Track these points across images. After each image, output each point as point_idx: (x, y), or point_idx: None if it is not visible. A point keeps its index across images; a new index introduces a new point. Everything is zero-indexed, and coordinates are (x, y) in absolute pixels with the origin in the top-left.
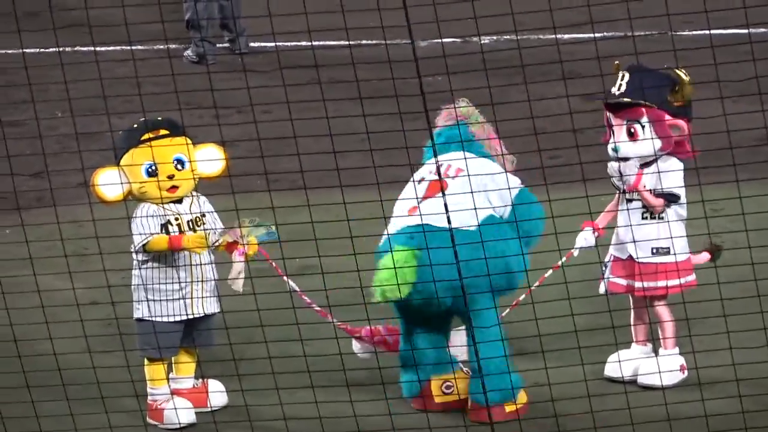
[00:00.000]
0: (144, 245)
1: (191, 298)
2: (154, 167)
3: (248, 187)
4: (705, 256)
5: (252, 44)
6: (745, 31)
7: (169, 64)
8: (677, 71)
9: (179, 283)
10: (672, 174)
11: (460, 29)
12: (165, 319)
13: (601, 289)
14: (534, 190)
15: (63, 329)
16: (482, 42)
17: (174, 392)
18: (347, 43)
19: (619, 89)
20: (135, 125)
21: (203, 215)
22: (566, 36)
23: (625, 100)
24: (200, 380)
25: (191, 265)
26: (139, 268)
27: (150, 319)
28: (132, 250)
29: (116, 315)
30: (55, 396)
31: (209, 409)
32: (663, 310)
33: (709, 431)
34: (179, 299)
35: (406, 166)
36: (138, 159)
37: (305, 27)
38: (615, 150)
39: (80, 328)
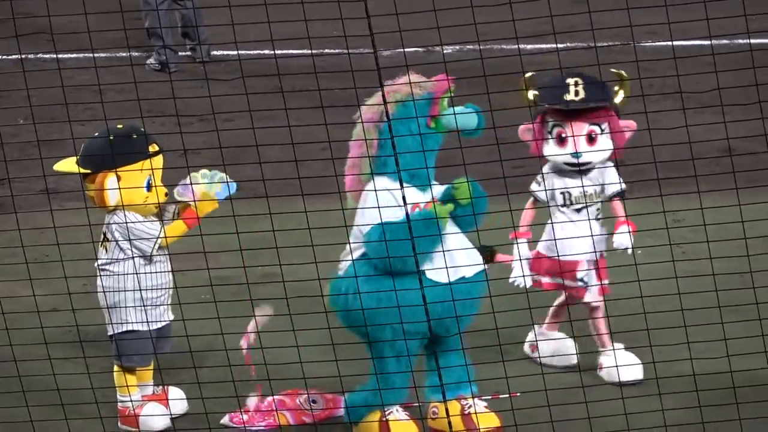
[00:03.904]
0: (159, 243)
1: (164, 304)
2: (152, 181)
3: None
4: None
5: (214, 52)
6: (708, 42)
7: (131, 72)
8: (616, 71)
9: (161, 289)
10: (611, 172)
11: (423, 39)
12: (153, 326)
13: (529, 283)
14: (495, 200)
15: (24, 336)
16: (445, 52)
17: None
18: (310, 52)
19: (576, 95)
20: (134, 135)
21: (167, 209)
22: (529, 46)
23: (596, 103)
24: (160, 387)
25: (168, 272)
26: (123, 276)
27: (140, 328)
28: (119, 257)
29: (77, 322)
30: (14, 402)
31: (170, 416)
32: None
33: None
34: (160, 305)
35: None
36: (143, 172)
37: (268, 36)
38: (576, 156)
39: (41, 335)
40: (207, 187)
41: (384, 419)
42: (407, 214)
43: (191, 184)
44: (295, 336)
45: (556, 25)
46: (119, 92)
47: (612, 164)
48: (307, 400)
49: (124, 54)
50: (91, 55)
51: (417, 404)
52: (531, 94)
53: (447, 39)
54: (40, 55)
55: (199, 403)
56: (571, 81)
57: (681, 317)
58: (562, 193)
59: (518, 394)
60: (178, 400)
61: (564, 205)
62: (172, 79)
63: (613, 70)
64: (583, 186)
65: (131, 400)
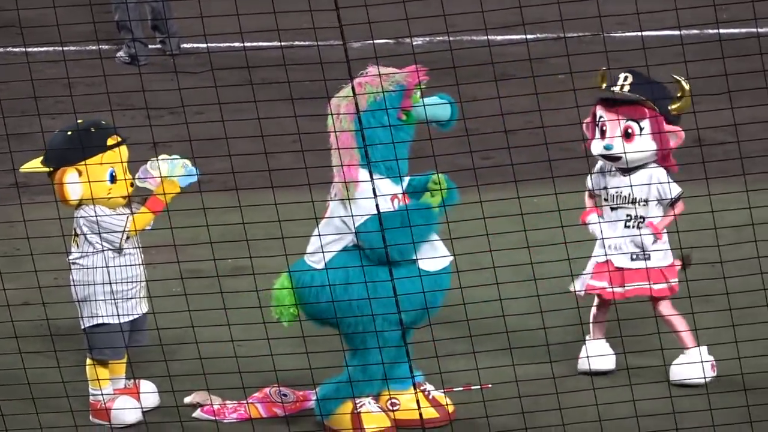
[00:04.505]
0: (127, 235)
1: (136, 297)
2: (114, 173)
3: None
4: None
5: (184, 45)
6: (677, 32)
7: (101, 65)
8: (679, 79)
9: (132, 282)
10: (665, 184)
11: (393, 31)
12: (124, 319)
13: (578, 287)
14: (465, 191)
15: None
16: (414, 43)
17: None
18: (279, 44)
19: (621, 88)
20: (93, 128)
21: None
22: (498, 37)
23: (633, 95)
24: (132, 381)
25: (139, 264)
26: (93, 270)
27: (111, 321)
28: (88, 251)
29: (47, 316)
30: None
31: (141, 410)
32: (667, 312)
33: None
34: (132, 298)
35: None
36: (104, 165)
37: (237, 28)
38: (607, 148)
39: (12, 329)
40: (167, 169)
41: (356, 411)
42: (397, 207)
43: (151, 169)
44: (266, 328)
45: (525, 15)
46: (89, 86)
47: (662, 169)
48: (278, 393)
49: (93, 47)
50: (60, 48)
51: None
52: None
53: (417, 30)
54: (9, 49)
55: (171, 396)
56: (622, 75)
57: (651, 308)
58: (605, 188)
59: (490, 385)
60: (149, 393)
61: (605, 200)
62: (141, 72)
63: (676, 76)
64: (620, 186)
65: (102, 394)
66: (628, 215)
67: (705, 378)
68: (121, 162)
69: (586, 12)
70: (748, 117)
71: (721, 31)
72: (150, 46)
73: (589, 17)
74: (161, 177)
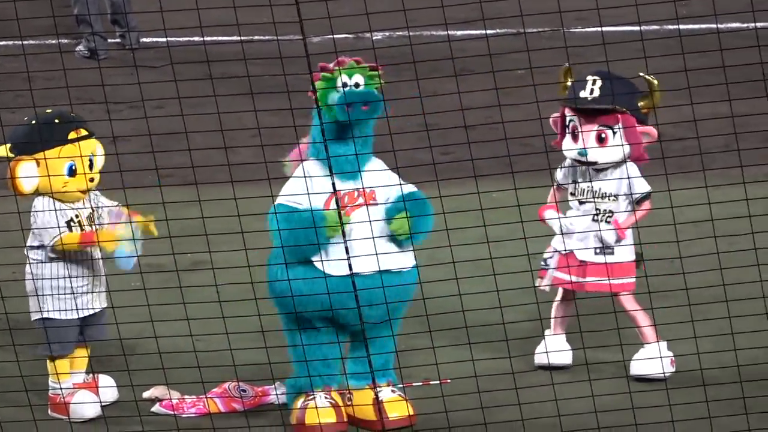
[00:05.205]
0: (54, 243)
1: (90, 293)
2: (75, 166)
3: (139, 183)
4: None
5: (143, 39)
6: (637, 28)
7: (60, 59)
8: (647, 77)
9: (84, 278)
10: (635, 179)
11: (353, 25)
12: (72, 315)
13: (545, 282)
14: (424, 186)
15: None
16: (374, 38)
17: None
18: (239, 38)
19: (591, 93)
20: (56, 120)
21: (97, 209)
22: (458, 33)
23: (606, 105)
24: (91, 375)
25: (91, 260)
26: (42, 264)
27: (57, 317)
28: (34, 245)
29: (6, 309)
30: None
31: (100, 404)
32: (631, 307)
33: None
34: (86, 293)
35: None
36: (62, 158)
37: (197, 22)
38: (581, 154)
39: None
40: (122, 231)
41: (302, 407)
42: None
43: (118, 218)
44: (225, 323)
45: (485, 11)
46: (49, 80)
47: (634, 166)
48: (237, 388)
49: (53, 41)
50: (20, 42)
51: (347, 390)
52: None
53: (376, 25)
54: None
55: (130, 390)
56: (590, 78)
57: (611, 303)
58: (574, 182)
59: (449, 380)
60: (108, 387)
61: (572, 195)
62: (101, 66)
63: (644, 75)
64: (591, 181)
65: (61, 388)
66: (597, 209)
67: (664, 373)
68: (81, 156)
69: (545, 7)
70: (708, 113)
71: (681, 27)
72: (109, 40)
73: (549, 13)
74: (110, 227)
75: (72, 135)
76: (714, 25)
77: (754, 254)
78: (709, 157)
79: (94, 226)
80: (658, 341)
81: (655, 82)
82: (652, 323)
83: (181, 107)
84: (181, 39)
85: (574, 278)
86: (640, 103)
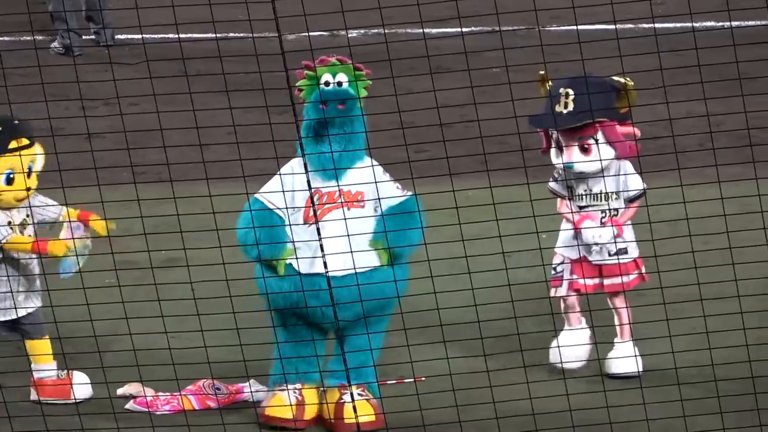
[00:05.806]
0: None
1: (28, 291)
2: (13, 175)
3: (114, 180)
4: None
5: (118, 36)
6: (613, 26)
7: (35, 56)
8: (619, 78)
9: (19, 277)
10: (630, 176)
11: (328, 23)
12: (10, 316)
13: (561, 291)
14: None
15: None
16: (350, 36)
17: (37, 382)
18: (214, 36)
19: (565, 107)
20: None
21: (29, 215)
22: (434, 30)
23: (575, 125)
24: (65, 372)
25: (23, 259)
26: None
27: None
28: None
29: None
30: None
31: (73, 401)
32: (621, 304)
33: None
34: (15, 294)
35: (272, 159)
36: (1, 166)
37: (172, 19)
38: (569, 167)
39: None
40: (74, 246)
41: (269, 397)
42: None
43: (82, 231)
44: (200, 320)
45: (460, 9)
46: (23, 76)
47: (628, 162)
48: (212, 386)
49: (28, 38)
50: None
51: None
52: (547, 85)
53: (352, 23)
54: None
55: (104, 387)
56: (563, 92)
57: (586, 301)
58: (570, 188)
59: (423, 378)
60: (82, 384)
61: (570, 198)
62: (76, 63)
63: (617, 78)
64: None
65: (41, 370)
66: (603, 211)
67: (639, 371)
68: (22, 170)
69: (521, 6)
70: (683, 112)
71: (656, 25)
72: (84, 37)
73: (524, 11)
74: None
75: (13, 144)
76: (689, 24)
77: (729, 253)
78: (684, 155)
79: (26, 233)
80: (630, 339)
81: (631, 83)
82: (630, 322)
83: (156, 104)
84: (156, 36)
85: (589, 281)
86: (617, 104)
